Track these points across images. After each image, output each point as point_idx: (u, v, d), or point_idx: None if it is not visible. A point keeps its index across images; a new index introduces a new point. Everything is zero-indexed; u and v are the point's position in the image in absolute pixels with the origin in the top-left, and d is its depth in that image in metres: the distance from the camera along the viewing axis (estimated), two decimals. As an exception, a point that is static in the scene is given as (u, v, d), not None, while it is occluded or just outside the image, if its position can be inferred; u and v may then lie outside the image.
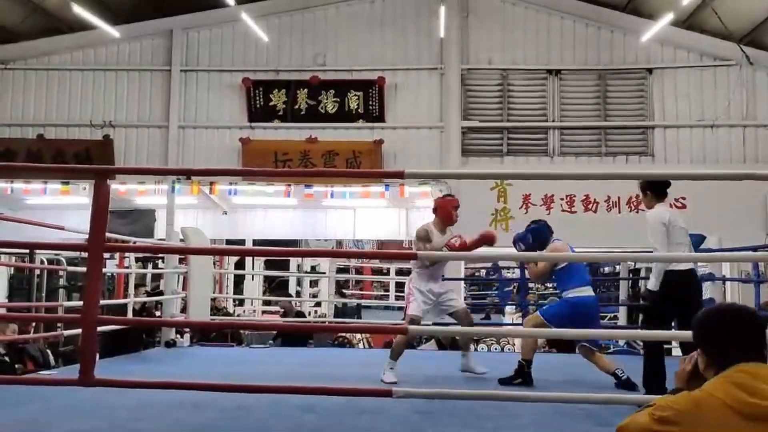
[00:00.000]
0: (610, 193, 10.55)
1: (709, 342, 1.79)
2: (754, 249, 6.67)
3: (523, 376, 5.09)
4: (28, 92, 12.02)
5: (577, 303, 5.10)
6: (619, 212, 10.65)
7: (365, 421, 3.88)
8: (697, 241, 6.90)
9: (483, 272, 16.52)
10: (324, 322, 12.09)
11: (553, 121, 11.41)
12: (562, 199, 10.30)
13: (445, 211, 5.54)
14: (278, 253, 10.40)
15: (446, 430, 3.77)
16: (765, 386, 1.60)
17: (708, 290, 7.22)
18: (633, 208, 10.72)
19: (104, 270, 6.25)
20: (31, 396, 4.22)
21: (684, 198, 10.56)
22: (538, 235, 5.34)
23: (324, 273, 14.94)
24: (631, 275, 11.26)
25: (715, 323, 1.80)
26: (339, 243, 13.91)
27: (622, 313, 8.70)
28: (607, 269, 14.47)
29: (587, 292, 5.20)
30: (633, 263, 11.86)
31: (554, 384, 5.22)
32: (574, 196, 10.52)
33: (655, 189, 4.62)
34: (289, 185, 11.23)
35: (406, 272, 18.69)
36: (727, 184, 9.24)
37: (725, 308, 1.94)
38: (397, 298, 17.69)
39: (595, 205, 10.62)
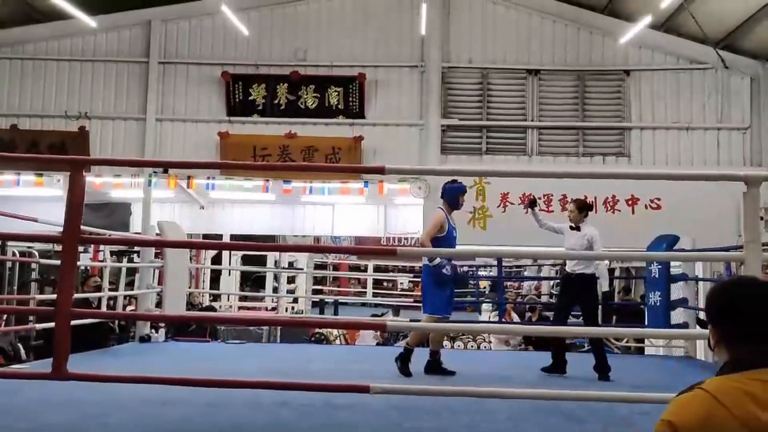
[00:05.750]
0: (587, 193, 10.59)
1: (717, 317, 1.60)
2: (726, 250, 6.78)
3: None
4: (2, 81, 11.76)
5: None
6: (596, 212, 10.74)
7: (342, 416, 3.87)
8: (671, 241, 7.02)
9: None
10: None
11: (532, 120, 11.48)
12: (539, 198, 10.38)
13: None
14: (256, 248, 10.32)
15: (422, 425, 3.78)
16: None
17: (681, 290, 7.32)
18: (609, 208, 10.85)
19: (78, 263, 6.15)
20: (1, 389, 4.14)
21: (659, 199, 10.72)
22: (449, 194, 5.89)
23: (302, 269, 14.88)
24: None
25: (724, 297, 1.59)
26: (317, 239, 13.87)
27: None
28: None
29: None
30: (608, 263, 12.01)
31: (530, 381, 5.27)
32: (552, 195, 10.61)
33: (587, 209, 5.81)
34: (268, 180, 11.14)
35: (383, 269, 18.71)
36: (701, 186, 9.37)
37: (738, 281, 1.68)
38: (375, 294, 17.68)
39: (572, 204, 10.72)
